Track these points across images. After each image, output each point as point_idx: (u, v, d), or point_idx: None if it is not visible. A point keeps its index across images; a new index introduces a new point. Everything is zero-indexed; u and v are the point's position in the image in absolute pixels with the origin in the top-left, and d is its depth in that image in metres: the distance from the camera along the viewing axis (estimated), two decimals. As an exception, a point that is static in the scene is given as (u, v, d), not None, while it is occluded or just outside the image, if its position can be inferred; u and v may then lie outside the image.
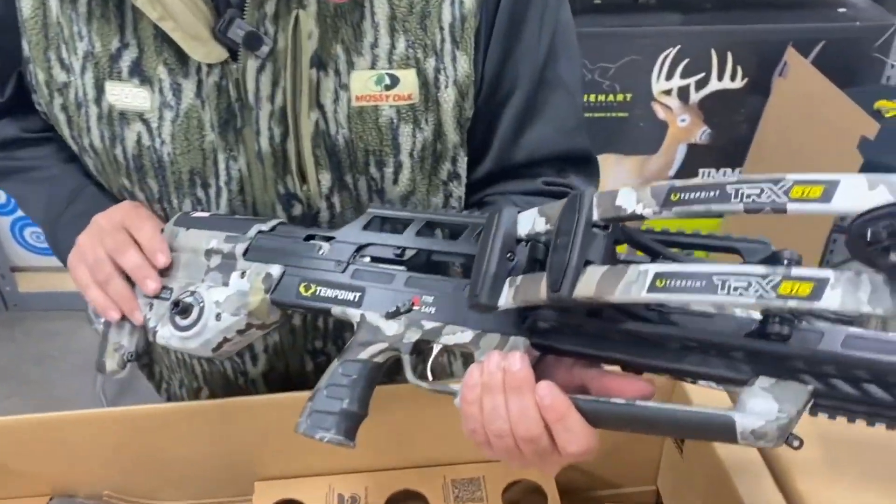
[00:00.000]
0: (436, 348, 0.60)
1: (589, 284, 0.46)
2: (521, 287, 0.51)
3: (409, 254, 0.63)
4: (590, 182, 0.82)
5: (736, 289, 0.41)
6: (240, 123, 0.71)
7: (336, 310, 0.63)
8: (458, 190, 0.78)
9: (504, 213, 0.55)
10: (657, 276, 0.43)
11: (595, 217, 0.48)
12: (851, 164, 1.80)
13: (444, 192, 0.78)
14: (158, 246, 0.71)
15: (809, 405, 0.45)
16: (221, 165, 0.73)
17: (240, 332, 0.67)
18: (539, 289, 0.49)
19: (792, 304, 0.40)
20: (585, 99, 2.20)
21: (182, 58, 0.69)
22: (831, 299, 0.38)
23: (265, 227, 0.69)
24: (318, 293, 0.64)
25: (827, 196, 0.39)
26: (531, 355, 0.55)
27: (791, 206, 0.39)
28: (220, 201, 0.75)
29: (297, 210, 0.75)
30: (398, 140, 0.72)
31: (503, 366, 0.53)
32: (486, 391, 0.54)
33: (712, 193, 0.42)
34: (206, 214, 0.72)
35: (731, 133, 2.28)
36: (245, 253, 0.68)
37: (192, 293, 0.68)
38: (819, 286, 0.39)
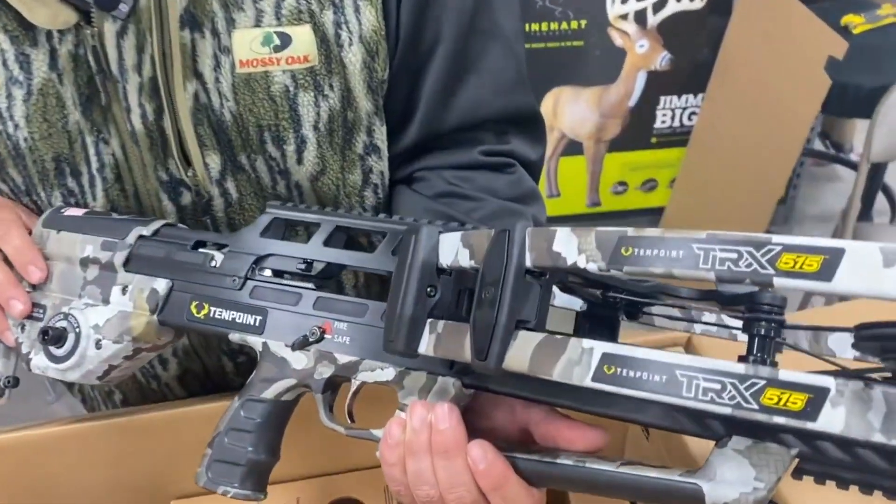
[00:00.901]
0: (354, 384, 0.50)
1: (521, 355, 0.37)
2: (444, 338, 0.42)
3: (317, 267, 0.52)
4: (535, 145, 0.72)
5: (706, 392, 0.31)
6: (105, 100, 0.59)
7: (234, 336, 0.53)
8: (379, 164, 0.67)
9: (422, 235, 0.44)
10: (605, 359, 0.34)
11: (528, 263, 0.38)
12: (820, 87, 1.71)
13: (363, 169, 0.67)
14: (30, 257, 0.59)
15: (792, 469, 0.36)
16: (91, 150, 0.61)
17: (127, 357, 0.56)
18: (463, 347, 0.39)
19: (779, 420, 0.30)
20: (537, 28, 2.06)
21: (25, 23, 0.56)
22: (831, 420, 0.29)
23: (146, 230, 0.57)
24: (212, 315, 0.53)
25: (826, 272, 0.29)
26: (463, 399, 0.46)
27: (779, 281, 0.29)
28: (96, 191, 0.63)
29: (186, 199, 0.64)
30: (297, 111, 0.61)
31: (429, 421, 0.44)
32: (409, 453, 0.44)
33: (675, 254, 0.32)
34: (80, 212, 0.60)
35: (692, 57, 2.17)
36: (126, 263, 0.57)
37: (66, 316, 0.56)
38: (816, 400, 0.29)
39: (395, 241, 0.50)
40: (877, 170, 1.94)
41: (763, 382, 0.30)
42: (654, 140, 2.36)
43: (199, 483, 0.53)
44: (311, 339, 0.50)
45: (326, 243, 0.52)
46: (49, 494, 0.69)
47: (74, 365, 0.56)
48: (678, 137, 2.34)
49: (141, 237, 0.57)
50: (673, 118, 2.30)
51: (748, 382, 0.31)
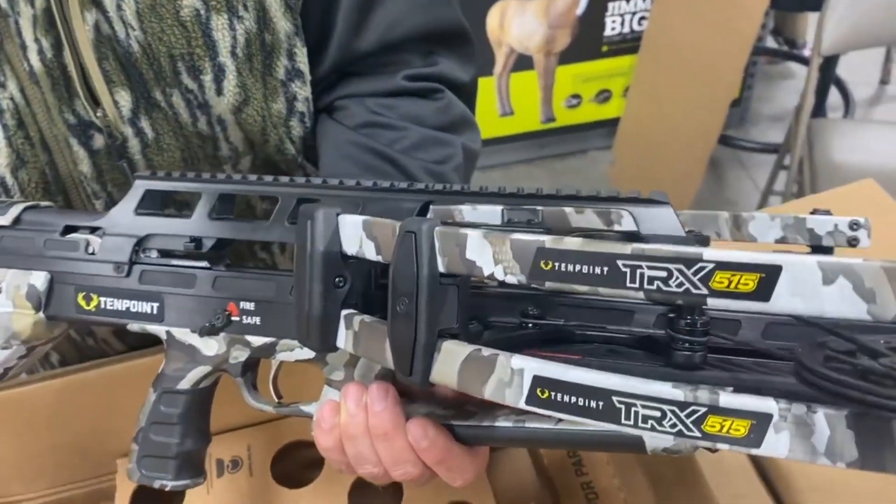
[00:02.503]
0: (275, 363, 0.47)
1: (448, 370, 0.34)
2: (362, 338, 0.38)
3: (207, 244, 0.47)
4: (465, 65, 0.67)
5: (646, 419, 0.29)
6: None
7: (133, 326, 0.49)
8: (304, 90, 0.62)
9: (319, 222, 0.39)
10: (537, 381, 0.31)
11: (441, 268, 0.34)
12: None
13: (286, 96, 0.62)
14: None
15: None
16: None
17: (22, 357, 0.52)
18: (385, 353, 0.36)
19: (722, 445, 0.28)
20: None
21: None
22: (775, 446, 0.27)
23: (4, 219, 0.51)
24: (103, 306, 0.49)
25: (764, 291, 0.26)
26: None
27: (713, 301, 0.27)
28: None
29: (98, 142, 0.59)
30: (212, 37, 0.55)
31: (364, 403, 0.41)
32: (346, 436, 0.42)
33: (598, 270, 0.29)
34: None
35: (638, -41, 2.10)
36: None
37: None
38: (758, 426, 0.28)
39: (290, 207, 0.45)
40: (829, 63, 1.92)
41: (704, 410, 0.28)
42: (604, 48, 2.31)
43: (132, 479, 0.50)
44: (217, 324, 0.46)
45: (212, 215, 0.47)
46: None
47: None
48: (629, 44, 2.29)
49: (1, 227, 0.51)
50: (623, 24, 2.24)
51: (688, 410, 0.29)
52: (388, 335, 0.36)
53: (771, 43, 2.75)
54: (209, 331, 0.46)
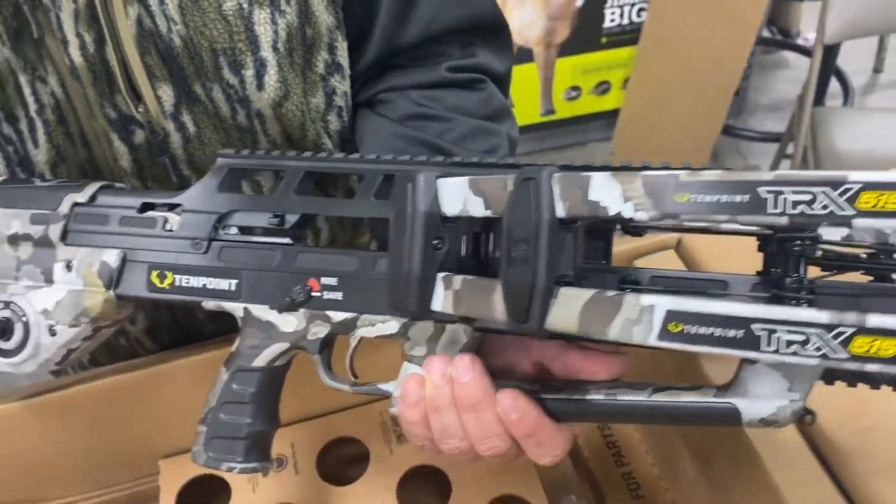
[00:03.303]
0: (353, 341, 0.47)
1: (566, 315, 0.34)
2: (464, 295, 0.38)
3: (290, 220, 0.47)
4: (501, 56, 0.67)
5: (789, 344, 0.29)
6: (37, 32, 0.52)
7: (209, 303, 0.49)
8: (343, 85, 0.62)
9: (420, 183, 0.39)
10: (670, 316, 0.31)
11: (560, 213, 0.34)
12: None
13: (325, 90, 0.61)
14: None
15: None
16: (27, 90, 0.55)
17: (87, 338, 0.51)
18: (492, 307, 0.36)
19: (871, 367, 0.29)
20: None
21: None
22: None
23: (81, 196, 0.51)
24: (177, 283, 0.49)
25: None
26: (475, 343, 0.43)
27: (859, 221, 0.28)
28: (37, 136, 0.57)
29: (139, 137, 0.58)
30: (254, 31, 0.54)
31: (449, 375, 0.41)
32: (432, 409, 0.42)
33: (739, 199, 0.30)
34: None
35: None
36: (63, 236, 0.51)
37: (6, 304, 0.51)
38: None
39: (375, 184, 0.45)
40: (829, 52, 1.92)
41: (851, 331, 0.29)
42: (604, 40, 2.30)
43: (198, 462, 0.50)
44: (297, 300, 0.46)
45: (296, 192, 0.47)
46: (30, 466, 0.65)
47: (29, 356, 0.51)
48: (628, 35, 2.29)
49: (76, 205, 0.51)
50: (622, 15, 2.24)
51: (835, 332, 0.29)
52: (502, 284, 0.36)
53: (765, 33, 2.76)
54: (289, 306, 0.46)
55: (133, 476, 0.69)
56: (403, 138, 0.60)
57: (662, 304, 0.31)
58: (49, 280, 0.51)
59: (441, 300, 0.40)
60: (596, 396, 0.40)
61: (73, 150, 0.58)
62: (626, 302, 0.32)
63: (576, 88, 2.41)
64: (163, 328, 0.73)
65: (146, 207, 0.50)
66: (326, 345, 0.48)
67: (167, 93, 0.56)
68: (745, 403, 0.35)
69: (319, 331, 0.47)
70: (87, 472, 0.67)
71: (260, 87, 0.57)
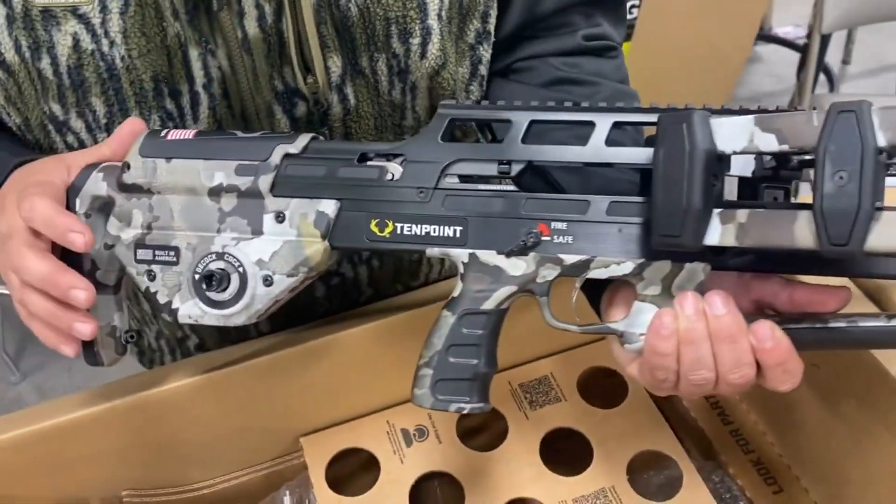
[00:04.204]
0: (578, 283, 0.49)
1: (888, 237, 0.36)
2: (752, 228, 0.41)
3: (516, 168, 0.48)
4: (619, 27, 0.69)
5: None
6: (217, 5, 0.53)
7: (433, 251, 0.50)
8: (487, 53, 0.64)
9: (696, 123, 0.41)
10: None
11: (882, 142, 0.37)
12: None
13: (472, 60, 0.63)
14: (63, 223, 0.49)
15: None
16: (196, 64, 0.55)
17: (293, 290, 0.52)
18: (793, 235, 0.39)
19: None
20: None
21: None
22: None
23: (293, 147, 0.51)
24: (399, 232, 0.50)
25: None
26: (706, 282, 0.46)
27: None
28: (199, 111, 0.57)
29: (301, 110, 0.59)
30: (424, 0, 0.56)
31: (702, 310, 0.44)
32: (686, 342, 0.44)
33: None
34: (187, 134, 0.53)
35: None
36: (273, 187, 0.51)
37: (220, 255, 0.51)
38: None
39: (606, 132, 0.47)
40: (824, 42, 2.00)
41: None
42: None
43: (423, 405, 0.51)
44: (529, 244, 0.48)
45: (524, 141, 0.49)
46: (176, 449, 0.65)
47: (243, 307, 0.52)
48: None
49: (288, 156, 0.51)
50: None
51: None
52: (819, 211, 0.38)
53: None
54: (521, 250, 0.48)
55: (271, 455, 0.69)
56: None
57: None
58: (257, 231, 0.51)
59: (718, 234, 0.42)
60: (838, 324, 0.43)
61: (232, 124, 0.59)
62: None
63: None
64: (279, 308, 0.74)
65: (364, 157, 0.51)
66: (550, 288, 0.50)
67: (336, 64, 0.57)
68: None
69: (549, 273, 0.48)
70: (229, 453, 0.67)
71: (423, 55, 0.58)
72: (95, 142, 0.58)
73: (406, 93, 0.61)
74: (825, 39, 1.98)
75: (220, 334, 0.76)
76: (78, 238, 0.49)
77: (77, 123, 0.57)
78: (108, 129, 0.57)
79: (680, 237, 0.42)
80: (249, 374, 0.62)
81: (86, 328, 0.50)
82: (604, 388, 0.74)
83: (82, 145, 0.58)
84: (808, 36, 2.19)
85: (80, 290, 0.49)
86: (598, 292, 0.53)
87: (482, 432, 0.72)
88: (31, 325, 0.52)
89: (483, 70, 0.64)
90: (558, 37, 0.64)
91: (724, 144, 0.41)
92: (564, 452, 0.69)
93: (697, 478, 0.66)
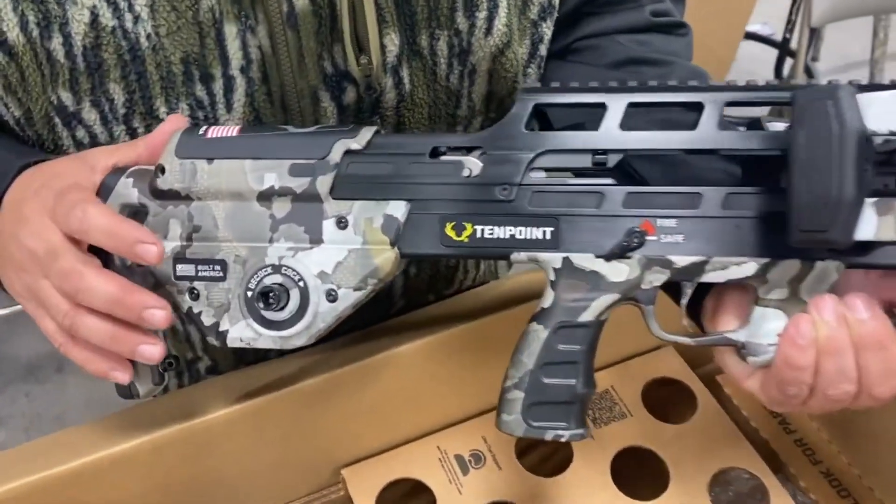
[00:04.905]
0: (689, 289, 0.43)
1: None
2: None
3: (613, 159, 0.42)
4: (679, 7, 0.63)
5: None
6: None
7: (519, 255, 0.43)
8: (549, 31, 0.57)
9: (842, 97, 0.35)
10: None
11: None
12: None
13: (533, 38, 0.56)
14: (131, 234, 0.42)
15: None
16: (233, 44, 0.48)
17: (356, 305, 0.45)
18: None
19: None
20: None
21: None
22: None
23: (355, 142, 0.44)
24: (479, 235, 0.43)
25: None
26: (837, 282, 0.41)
27: None
28: (232, 98, 0.50)
29: (350, 96, 0.51)
30: None
31: (842, 315, 0.38)
32: (827, 353, 0.39)
33: None
34: (230, 131, 0.45)
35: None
36: (332, 189, 0.44)
37: (276, 268, 0.44)
38: None
39: (717, 113, 0.41)
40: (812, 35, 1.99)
41: None
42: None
43: (514, 432, 0.44)
44: (632, 245, 0.41)
45: (622, 127, 0.42)
46: (210, 481, 0.57)
47: (304, 327, 0.45)
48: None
49: (349, 152, 0.44)
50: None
51: None
52: None
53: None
54: (622, 251, 0.42)
55: (310, 489, 0.61)
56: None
57: None
58: (316, 240, 0.44)
59: (874, 228, 0.37)
60: None
61: (270, 114, 0.51)
62: None
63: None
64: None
65: (436, 152, 0.44)
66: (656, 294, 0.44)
67: (393, 42, 0.50)
68: None
69: (656, 278, 0.42)
70: (266, 486, 0.59)
71: (488, 31, 0.52)
72: (111, 136, 0.50)
73: (464, 77, 0.54)
74: (813, 33, 1.97)
75: (235, 356, 0.68)
76: (150, 250, 0.41)
77: (90, 115, 0.49)
78: (127, 122, 0.49)
79: (827, 232, 0.36)
80: (293, 400, 0.54)
81: (155, 350, 0.43)
82: (661, 398, 0.68)
83: (94, 141, 0.50)
84: (790, 32, 2.20)
85: (158, 308, 0.42)
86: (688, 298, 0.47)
87: (534, 449, 0.66)
88: (72, 353, 0.44)
89: (543, 50, 0.57)
90: (625, 12, 0.58)
91: (874, 124, 0.36)
92: (634, 474, 0.63)
93: (785, 496, 0.60)
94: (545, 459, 0.65)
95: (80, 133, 0.50)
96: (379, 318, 0.65)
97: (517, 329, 0.45)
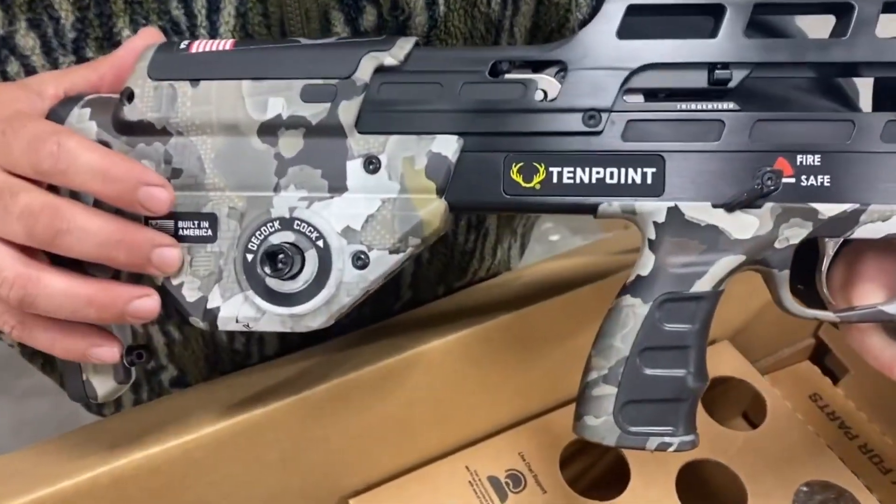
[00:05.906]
0: (831, 249, 0.33)
1: None
2: None
3: (737, 77, 0.32)
4: None
5: None
6: None
7: (611, 204, 0.33)
8: None
9: None
10: None
11: None
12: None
13: None
14: (135, 172, 0.31)
15: None
16: None
17: (389, 275, 0.34)
18: None
19: None
20: None
21: None
22: None
23: (389, 56, 0.33)
24: (555, 181, 0.33)
25: None
26: None
27: None
28: (219, 21, 0.38)
29: (370, 19, 0.40)
30: None
31: None
32: None
33: None
34: (221, 44, 0.34)
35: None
36: (359, 120, 0.33)
37: (287, 223, 0.33)
38: None
39: (875, 16, 0.32)
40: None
41: None
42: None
43: (605, 440, 0.34)
44: (764, 190, 0.32)
45: (747, 34, 0.32)
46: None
47: (324, 301, 0.33)
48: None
49: (381, 69, 0.33)
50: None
51: None
52: None
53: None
54: (750, 199, 0.32)
55: (309, 525, 0.49)
56: None
57: None
58: (338, 188, 0.33)
59: None
60: None
61: (266, 38, 0.40)
62: None
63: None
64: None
65: (497, 69, 0.33)
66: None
67: None
68: None
69: (794, 234, 0.33)
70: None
71: None
72: (56, 69, 0.38)
73: (508, 5, 0.44)
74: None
75: (208, 364, 0.56)
76: (158, 196, 0.31)
77: (26, 40, 0.37)
78: (77, 50, 0.38)
79: None
80: (289, 414, 0.43)
81: (154, 303, 0.33)
82: (706, 399, 0.58)
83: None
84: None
85: (169, 246, 0.33)
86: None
87: (574, 459, 0.55)
88: (32, 337, 0.33)
89: None
90: None
91: None
92: (702, 492, 0.52)
93: (880, 513, 0.51)
94: (587, 470, 0.55)
95: (13, 67, 0.38)
96: (382, 312, 0.53)
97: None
